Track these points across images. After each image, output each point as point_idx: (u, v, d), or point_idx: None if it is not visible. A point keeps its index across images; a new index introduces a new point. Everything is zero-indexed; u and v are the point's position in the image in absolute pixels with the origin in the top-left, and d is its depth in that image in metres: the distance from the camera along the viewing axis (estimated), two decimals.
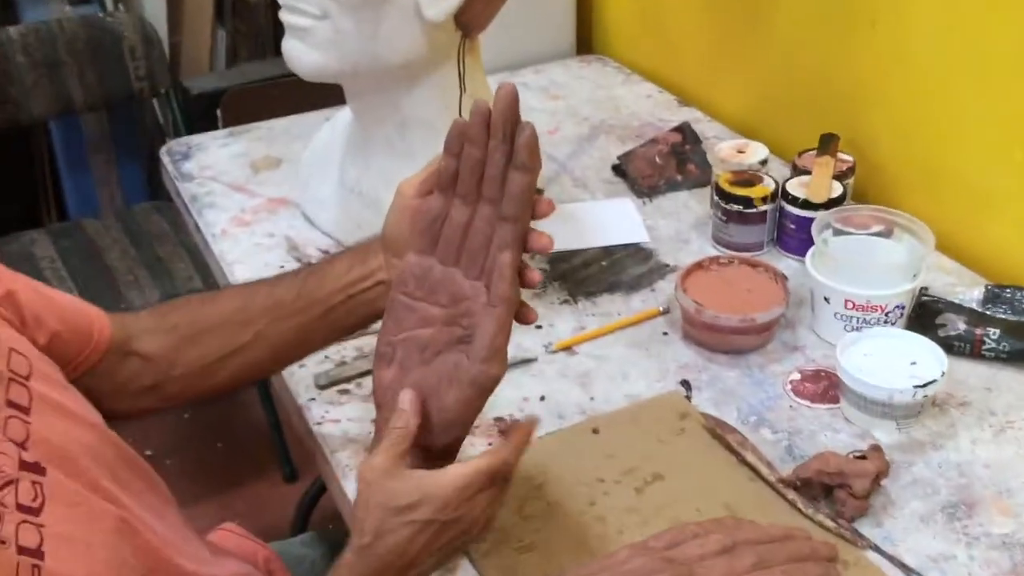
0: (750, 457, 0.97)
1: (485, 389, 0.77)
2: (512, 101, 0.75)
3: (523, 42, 1.81)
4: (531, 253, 0.79)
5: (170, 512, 0.86)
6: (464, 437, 0.82)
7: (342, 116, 1.38)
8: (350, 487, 0.98)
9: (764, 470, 0.95)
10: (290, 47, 1.17)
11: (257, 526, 1.11)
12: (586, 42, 1.89)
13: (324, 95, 1.81)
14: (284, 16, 1.17)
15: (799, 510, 0.92)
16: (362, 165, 1.29)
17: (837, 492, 0.92)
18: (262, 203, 1.44)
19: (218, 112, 2.06)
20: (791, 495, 0.93)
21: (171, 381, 0.93)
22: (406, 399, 0.79)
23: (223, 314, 0.93)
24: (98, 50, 2.02)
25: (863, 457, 0.93)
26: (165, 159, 1.58)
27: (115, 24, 2.03)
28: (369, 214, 1.26)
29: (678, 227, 1.35)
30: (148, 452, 2.18)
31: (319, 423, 1.06)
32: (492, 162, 0.76)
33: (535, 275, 0.79)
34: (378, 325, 0.84)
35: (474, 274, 0.79)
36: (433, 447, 0.80)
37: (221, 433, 2.25)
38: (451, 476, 0.76)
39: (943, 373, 0.99)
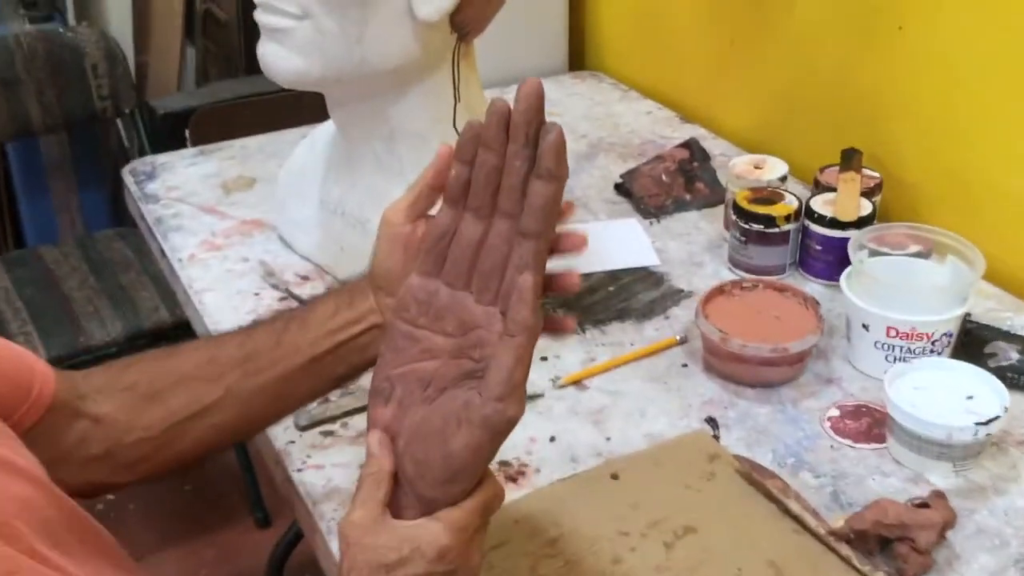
0: (793, 506, 0.85)
1: (499, 432, 0.65)
2: (537, 98, 0.63)
3: (512, 58, 1.70)
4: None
5: None
6: (472, 488, 0.69)
7: (322, 130, 1.27)
8: (336, 544, 0.85)
9: (811, 521, 0.84)
10: (267, 51, 1.05)
11: None
12: (579, 58, 1.79)
13: (300, 114, 1.70)
14: (260, 16, 1.05)
15: (855, 567, 0.80)
16: (346, 183, 1.17)
17: (897, 546, 0.81)
18: (234, 226, 1.32)
19: (187, 133, 1.94)
20: (844, 550, 0.81)
21: (125, 449, 0.79)
22: (373, 441, 0.69)
23: (188, 368, 0.80)
24: (58, 67, 1.90)
25: (925, 505, 0.82)
26: (128, 179, 1.46)
27: (77, 40, 1.91)
28: (354, 236, 1.15)
29: (690, 249, 1.24)
30: (109, 496, 2.03)
31: (299, 469, 0.93)
32: (511, 170, 0.65)
33: (570, 323, 0.71)
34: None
35: (487, 299, 0.67)
36: (437, 500, 0.68)
37: (188, 475, 2.11)
38: (445, 522, 0.66)
39: (1005, 408, 0.88)
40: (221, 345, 0.81)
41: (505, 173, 0.65)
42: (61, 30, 1.96)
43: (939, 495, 0.84)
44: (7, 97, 1.87)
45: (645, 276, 1.19)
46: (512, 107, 0.64)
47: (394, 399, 0.69)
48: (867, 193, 1.16)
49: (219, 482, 2.10)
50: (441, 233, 0.68)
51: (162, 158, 1.50)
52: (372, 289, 0.78)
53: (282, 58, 1.04)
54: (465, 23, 1.05)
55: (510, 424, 0.65)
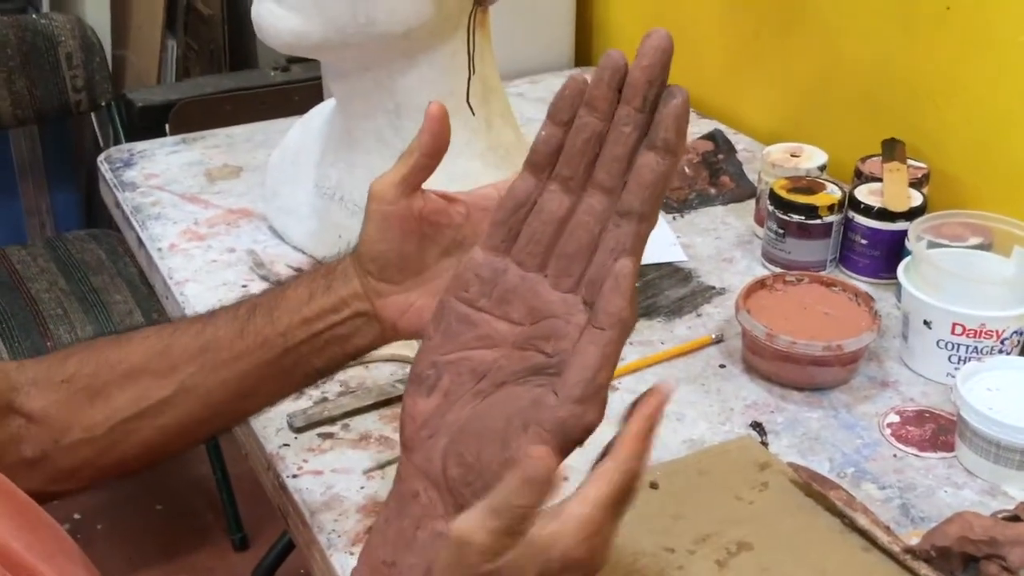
0: (862, 520, 0.75)
1: (572, 440, 0.54)
2: (664, 54, 0.53)
3: (516, 52, 1.61)
4: None
5: None
6: None
7: (317, 112, 1.17)
8: (338, 561, 0.74)
9: (882, 537, 0.74)
10: (263, 10, 0.95)
11: None
12: (585, 52, 1.70)
13: (288, 108, 1.59)
14: None
15: None
16: (345, 165, 1.06)
17: (984, 565, 0.70)
18: (220, 215, 1.21)
19: (166, 128, 1.83)
20: (924, 570, 0.71)
21: (64, 452, 0.67)
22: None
23: (136, 359, 0.68)
24: (30, 56, 1.79)
25: (1015, 518, 0.72)
26: (103, 167, 1.34)
27: (50, 27, 1.80)
28: (354, 224, 1.02)
29: (718, 245, 1.14)
30: (76, 515, 1.91)
31: (294, 476, 0.82)
32: (619, 137, 0.54)
33: None
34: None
35: (567, 285, 0.56)
36: None
37: (160, 493, 1.98)
38: (568, 520, 0.50)
39: None
40: (176, 333, 0.69)
41: (610, 141, 0.55)
42: (34, 16, 1.84)
43: None
44: None
45: (671, 272, 1.09)
46: (631, 63, 0.54)
47: (439, 390, 0.58)
48: (914, 184, 1.07)
49: (192, 500, 1.97)
50: (518, 203, 0.58)
51: (141, 146, 1.39)
52: (359, 273, 0.67)
53: (279, 17, 0.94)
54: None
55: (586, 432, 0.54)
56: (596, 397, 0.52)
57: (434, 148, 0.63)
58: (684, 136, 0.54)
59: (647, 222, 0.54)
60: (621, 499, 0.52)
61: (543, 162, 0.57)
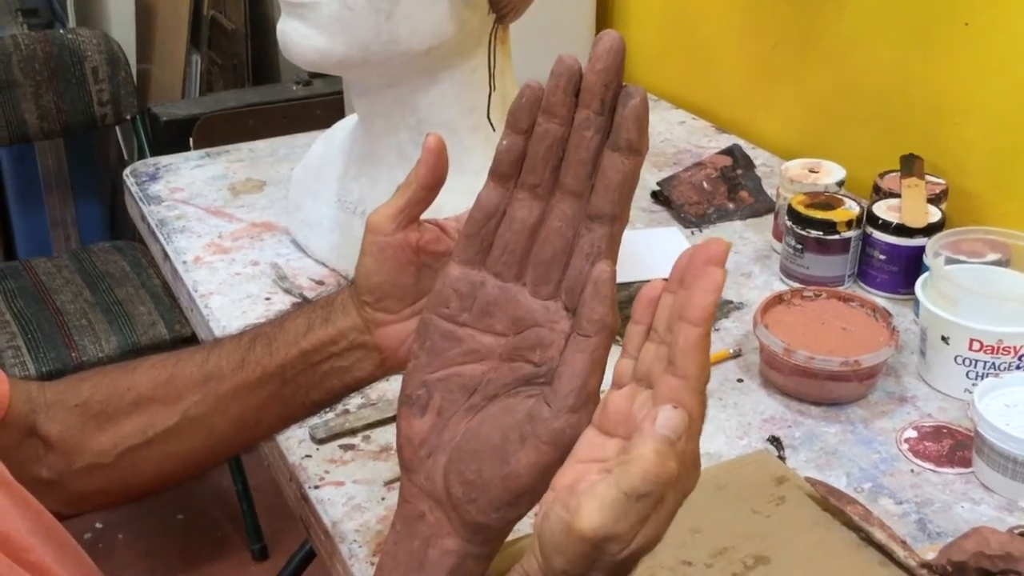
0: (878, 535, 0.75)
1: (569, 448, 0.54)
2: (617, 56, 0.53)
3: (535, 69, 1.62)
4: None
5: None
6: (529, 510, 0.59)
7: (340, 127, 1.18)
8: (360, 571, 0.75)
9: (899, 552, 0.74)
10: (288, 28, 0.97)
11: None
12: None
13: (310, 123, 1.61)
14: None
15: None
16: (367, 180, 1.08)
17: None
18: (243, 228, 1.22)
19: (190, 142, 1.86)
20: None
21: (77, 477, 0.68)
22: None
23: (144, 388, 0.70)
24: (57, 70, 1.81)
25: None
26: (129, 180, 1.36)
27: (77, 42, 1.82)
28: None
29: (737, 260, 1.15)
30: (98, 525, 1.92)
31: (316, 486, 0.83)
32: (581, 141, 0.55)
33: None
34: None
35: (546, 292, 0.57)
36: (489, 526, 0.57)
37: (180, 503, 2.00)
38: (585, 518, 0.47)
39: None
40: (180, 363, 0.70)
41: (572, 145, 0.55)
42: (61, 31, 1.87)
43: None
44: (2, 101, 1.79)
45: None
46: (584, 66, 0.55)
47: (432, 408, 0.59)
48: (932, 200, 1.07)
49: (212, 510, 1.98)
50: (487, 214, 0.58)
51: (165, 160, 1.41)
52: (356, 305, 0.67)
53: (304, 36, 0.95)
54: (505, 2, 0.96)
55: None
56: (589, 404, 0.54)
57: (431, 181, 0.64)
58: (646, 134, 0.54)
59: (619, 223, 0.55)
60: (664, 486, 0.47)
61: (508, 171, 0.57)
